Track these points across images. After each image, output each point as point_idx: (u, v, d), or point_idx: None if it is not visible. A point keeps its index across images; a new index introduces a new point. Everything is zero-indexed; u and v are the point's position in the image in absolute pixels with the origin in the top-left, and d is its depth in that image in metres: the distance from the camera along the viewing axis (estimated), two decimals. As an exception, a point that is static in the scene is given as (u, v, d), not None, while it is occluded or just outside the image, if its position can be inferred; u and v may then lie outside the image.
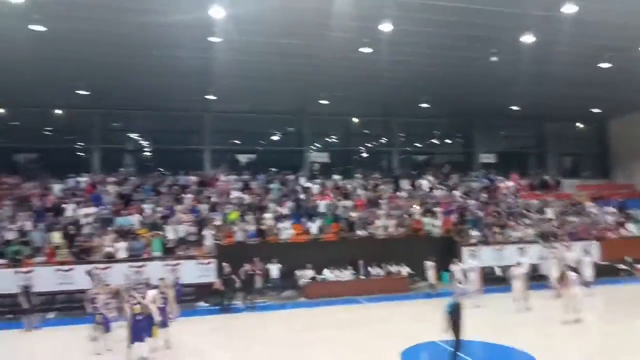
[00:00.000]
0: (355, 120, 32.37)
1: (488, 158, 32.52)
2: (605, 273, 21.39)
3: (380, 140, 34.99)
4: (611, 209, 27.13)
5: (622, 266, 22.94)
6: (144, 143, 31.86)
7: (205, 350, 12.85)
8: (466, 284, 17.31)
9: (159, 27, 16.00)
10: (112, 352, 12.29)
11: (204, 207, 22.37)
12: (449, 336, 10.67)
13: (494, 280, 20.34)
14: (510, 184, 28.60)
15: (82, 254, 18.46)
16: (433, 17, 16.03)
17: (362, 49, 18.07)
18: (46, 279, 16.90)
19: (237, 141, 32.74)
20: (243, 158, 31.79)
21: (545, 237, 22.97)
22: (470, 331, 11.26)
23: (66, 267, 17.61)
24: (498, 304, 17.07)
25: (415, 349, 12.50)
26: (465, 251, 21.31)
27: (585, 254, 19.53)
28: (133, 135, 31.17)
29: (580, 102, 28.01)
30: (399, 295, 19.21)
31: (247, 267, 18.45)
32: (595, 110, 30.86)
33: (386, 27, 16.15)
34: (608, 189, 31.32)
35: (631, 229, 25.62)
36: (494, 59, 19.09)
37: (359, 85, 24.14)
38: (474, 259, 19.45)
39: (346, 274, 20.07)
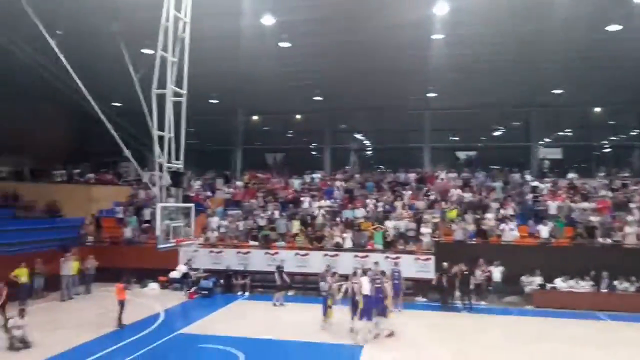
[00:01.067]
0: (596, 110, 28.18)
1: None
2: None
3: (630, 132, 29.69)
4: None
5: None
6: (367, 142, 34.01)
7: (422, 344, 13.06)
8: None
9: (384, 30, 16.75)
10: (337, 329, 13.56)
11: (422, 204, 22.63)
12: None
13: None
14: None
15: (315, 242, 20.77)
16: None
17: (609, 27, 15.68)
18: (288, 261, 19.56)
19: (456, 138, 32.09)
20: (463, 155, 30.95)
21: None
22: None
23: (303, 252, 20.08)
24: None
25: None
26: None
27: None
28: (357, 136, 33.60)
29: None
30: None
31: (462, 267, 17.76)
32: None
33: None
34: None
35: None
36: None
37: (603, 69, 20.94)
38: None
39: (583, 285, 17.67)
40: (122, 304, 14.00)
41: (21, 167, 26.38)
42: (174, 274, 19.81)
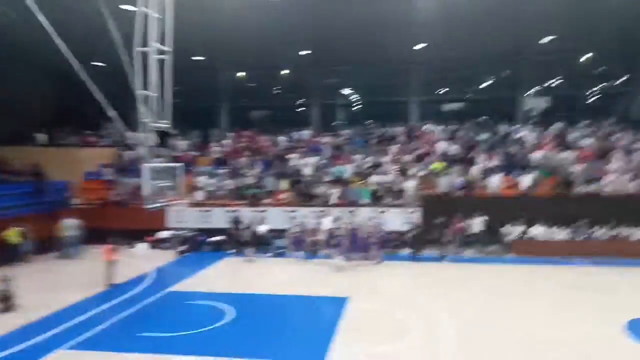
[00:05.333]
0: (584, 58, 27.86)
1: None
2: None
3: (618, 80, 29.55)
4: None
5: None
6: (355, 97, 33.68)
7: (404, 293, 13.52)
8: None
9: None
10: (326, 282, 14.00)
11: (409, 158, 22.77)
12: None
13: None
14: None
15: (303, 199, 20.99)
16: None
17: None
18: (275, 218, 19.86)
19: (444, 90, 31.87)
20: (450, 107, 30.88)
21: None
22: None
23: (290, 209, 20.32)
24: None
25: (645, 322, 10.86)
26: None
27: None
28: (345, 91, 33.22)
29: None
30: (628, 261, 16.58)
31: (439, 218, 18.17)
32: None
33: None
34: None
35: None
36: None
37: (593, 14, 20.44)
38: None
39: (562, 233, 18.16)
40: (110, 264, 14.25)
41: (1, 131, 25.97)
42: (162, 234, 20.06)
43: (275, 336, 10.46)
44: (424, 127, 25.89)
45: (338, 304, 12.39)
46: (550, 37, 23.66)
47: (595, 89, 30.21)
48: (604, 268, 15.99)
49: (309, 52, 25.91)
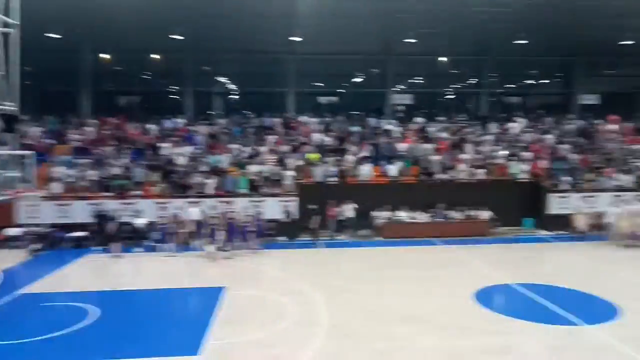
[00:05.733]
0: (442, 59, 30.82)
1: (590, 99, 29.76)
2: None
3: (468, 81, 33.26)
4: None
5: None
6: (232, 86, 33.13)
7: (282, 279, 13.79)
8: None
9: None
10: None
11: (286, 148, 23.09)
12: None
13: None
14: (612, 127, 25.90)
15: (177, 189, 20.11)
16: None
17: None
18: (146, 210, 18.75)
19: (320, 83, 32.87)
20: (325, 100, 31.98)
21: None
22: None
23: (162, 200, 19.33)
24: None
25: (488, 290, 12.44)
26: (552, 198, 20.40)
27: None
28: (222, 79, 32.48)
29: None
30: (477, 239, 18.88)
31: (313, 206, 18.87)
32: None
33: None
34: None
35: None
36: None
37: (448, 21, 22.70)
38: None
39: (423, 216, 20.00)
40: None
41: None
42: (12, 231, 17.75)
43: (145, 333, 9.92)
44: (300, 119, 26.42)
45: (213, 294, 12.14)
46: (413, 40, 25.68)
47: (449, 89, 33.66)
48: (457, 246, 17.94)
49: (182, 37, 24.75)
